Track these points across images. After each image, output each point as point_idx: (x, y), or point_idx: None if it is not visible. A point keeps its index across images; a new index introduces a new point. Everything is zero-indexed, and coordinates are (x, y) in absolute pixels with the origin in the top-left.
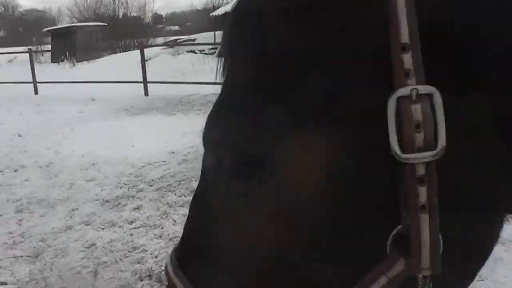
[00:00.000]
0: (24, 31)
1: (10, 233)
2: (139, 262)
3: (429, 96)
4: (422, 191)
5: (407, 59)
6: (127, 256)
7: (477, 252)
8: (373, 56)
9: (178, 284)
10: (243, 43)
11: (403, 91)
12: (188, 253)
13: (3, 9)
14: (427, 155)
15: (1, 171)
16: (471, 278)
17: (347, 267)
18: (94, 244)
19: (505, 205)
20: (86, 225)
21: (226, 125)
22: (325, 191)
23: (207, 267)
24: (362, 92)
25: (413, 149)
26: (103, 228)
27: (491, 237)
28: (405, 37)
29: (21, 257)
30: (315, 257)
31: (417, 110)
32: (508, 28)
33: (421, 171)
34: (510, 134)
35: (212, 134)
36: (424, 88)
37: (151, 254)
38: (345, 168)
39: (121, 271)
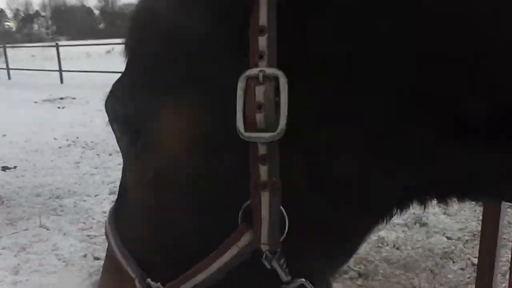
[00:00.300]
0: (122, 23)
1: (104, 212)
2: None
3: (276, 78)
4: (263, 169)
5: (262, 42)
6: None
7: (328, 236)
8: (235, 38)
9: (109, 232)
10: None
11: (251, 72)
12: (116, 208)
13: (104, 3)
14: (267, 136)
15: (98, 155)
16: (332, 260)
17: (208, 235)
18: None
19: (377, 197)
20: None
21: (117, 93)
22: (188, 161)
23: (123, 220)
24: (220, 71)
25: (255, 128)
26: None
27: (347, 226)
28: (263, 19)
29: None
30: (182, 220)
31: (260, 91)
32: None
33: (262, 150)
34: (368, 124)
35: (108, 100)
36: (271, 71)
37: None
38: (203, 142)
39: None
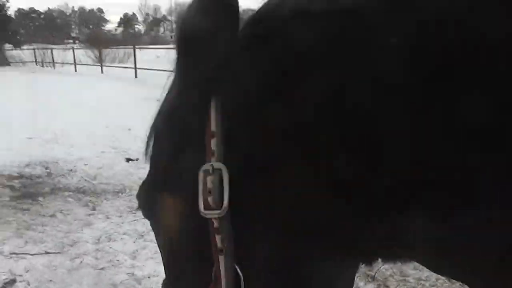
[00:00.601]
0: None
1: None
2: None
3: (221, 170)
4: (219, 238)
5: (213, 143)
6: None
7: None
8: (197, 140)
9: None
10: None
11: (205, 166)
12: None
13: None
14: (216, 213)
15: None
16: None
17: None
18: None
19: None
20: None
21: (142, 187)
22: (179, 233)
23: None
24: (191, 165)
25: (209, 208)
26: None
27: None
28: (213, 127)
29: None
30: (181, 276)
31: (210, 180)
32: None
33: (216, 224)
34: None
35: (138, 193)
36: (217, 165)
37: None
38: (184, 219)
39: None
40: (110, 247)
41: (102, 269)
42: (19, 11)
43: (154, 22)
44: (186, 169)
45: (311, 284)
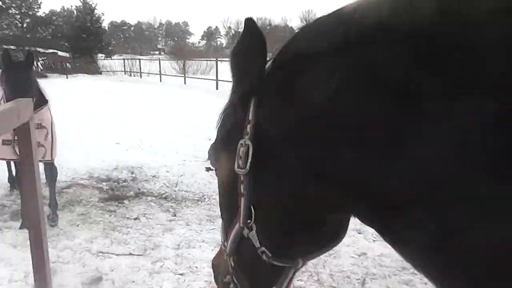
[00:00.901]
0: None
1: None
2: (407, 284)
3: (249, 145)
4: (241, 187)
5: (249, 127)
6: (395, 274)
7: (277, 226)
8: (241, 124)
9: None
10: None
11: (241, 141)
12: None
13: (305, 23)
14: (242, 171)
15: None
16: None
17: (231, 217)
18: (365, 254)
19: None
20: (359, 233)
21: (212, 146)
22: (225, 181)
23: None
24: (236, 139)
25: (239, 167)
26: (374, 240)
27: (289, 223)
28: (250, 116)
29: None
30: (225, 209)
31: (241, 149)
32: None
33: (242, 178)
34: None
35: (209, 150)
36: (247, 141)
37: (421, 279)
38: (228, 171)
39: (388, 287)
40: (189, 254)
41: (181, 274)
42: (112, 23)
43: (236, 35)
44: (233, 141)
45: (301, 226)
